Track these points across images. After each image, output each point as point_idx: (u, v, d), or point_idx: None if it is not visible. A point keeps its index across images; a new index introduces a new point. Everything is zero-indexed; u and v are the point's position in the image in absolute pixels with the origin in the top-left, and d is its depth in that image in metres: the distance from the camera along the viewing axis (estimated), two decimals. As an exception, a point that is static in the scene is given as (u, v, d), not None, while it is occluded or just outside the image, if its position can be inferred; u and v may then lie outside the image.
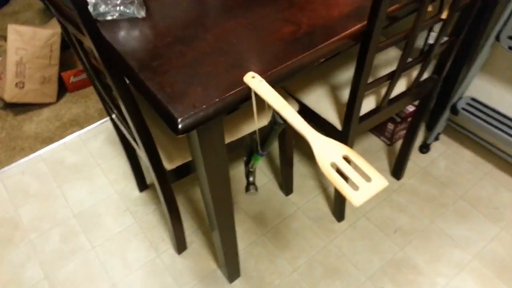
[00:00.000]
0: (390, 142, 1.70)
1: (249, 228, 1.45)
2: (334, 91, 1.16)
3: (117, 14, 0.91)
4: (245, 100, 0.74)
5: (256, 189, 1.03)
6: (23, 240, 1.46)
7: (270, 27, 0.87)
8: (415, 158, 1.65)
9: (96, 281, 1.34)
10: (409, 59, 1.04)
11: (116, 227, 1.48)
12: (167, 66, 0.79)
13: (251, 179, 1.03)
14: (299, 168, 1.64)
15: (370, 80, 1.02)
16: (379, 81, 1.01)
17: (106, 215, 1.52)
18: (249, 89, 0.73)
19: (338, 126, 1.12)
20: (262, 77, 0.74)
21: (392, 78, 1.02)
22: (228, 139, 1.05)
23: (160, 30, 0.88)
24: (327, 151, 0.64)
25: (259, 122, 1.06)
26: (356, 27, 0.86)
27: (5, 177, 1.68)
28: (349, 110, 1.04)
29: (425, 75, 1.21)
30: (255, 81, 0.73)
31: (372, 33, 0.82)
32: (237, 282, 1.31)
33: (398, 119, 1.61)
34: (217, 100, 0.72)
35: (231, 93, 0.73)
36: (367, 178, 0.60)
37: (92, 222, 1.50)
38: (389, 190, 1.55)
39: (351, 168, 0.61)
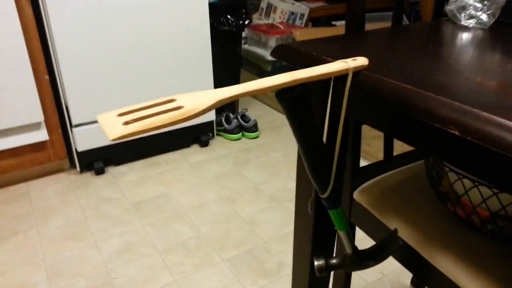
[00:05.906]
0: None
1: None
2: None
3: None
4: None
5: (322, 271, 0.62)
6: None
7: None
8: None
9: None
10: None
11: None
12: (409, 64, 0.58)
13: (333, 260, 0.63)
14: None
15: None
16: None
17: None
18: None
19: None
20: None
21: None
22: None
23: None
24: (197, 97, 0.41)
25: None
26: None
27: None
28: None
29: None
30: (345, 62, 0.48)
31: None
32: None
33: None
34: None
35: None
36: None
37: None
38: None
39: (156, 108, 0.39)
